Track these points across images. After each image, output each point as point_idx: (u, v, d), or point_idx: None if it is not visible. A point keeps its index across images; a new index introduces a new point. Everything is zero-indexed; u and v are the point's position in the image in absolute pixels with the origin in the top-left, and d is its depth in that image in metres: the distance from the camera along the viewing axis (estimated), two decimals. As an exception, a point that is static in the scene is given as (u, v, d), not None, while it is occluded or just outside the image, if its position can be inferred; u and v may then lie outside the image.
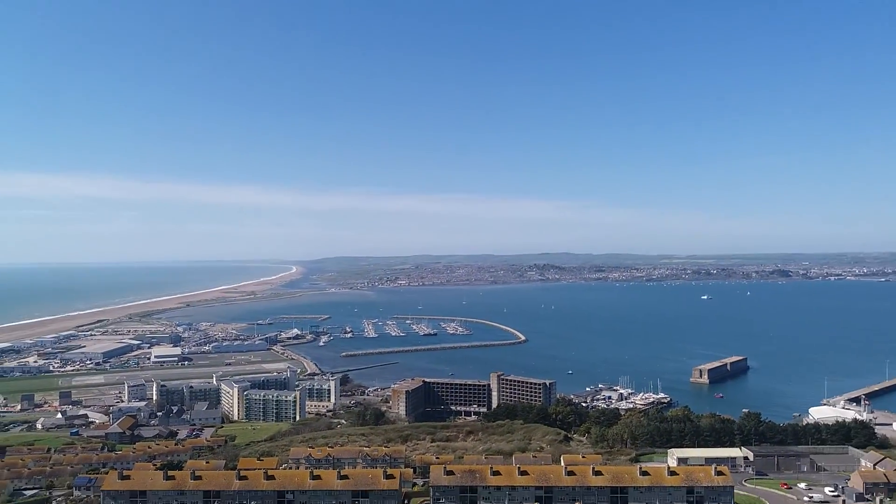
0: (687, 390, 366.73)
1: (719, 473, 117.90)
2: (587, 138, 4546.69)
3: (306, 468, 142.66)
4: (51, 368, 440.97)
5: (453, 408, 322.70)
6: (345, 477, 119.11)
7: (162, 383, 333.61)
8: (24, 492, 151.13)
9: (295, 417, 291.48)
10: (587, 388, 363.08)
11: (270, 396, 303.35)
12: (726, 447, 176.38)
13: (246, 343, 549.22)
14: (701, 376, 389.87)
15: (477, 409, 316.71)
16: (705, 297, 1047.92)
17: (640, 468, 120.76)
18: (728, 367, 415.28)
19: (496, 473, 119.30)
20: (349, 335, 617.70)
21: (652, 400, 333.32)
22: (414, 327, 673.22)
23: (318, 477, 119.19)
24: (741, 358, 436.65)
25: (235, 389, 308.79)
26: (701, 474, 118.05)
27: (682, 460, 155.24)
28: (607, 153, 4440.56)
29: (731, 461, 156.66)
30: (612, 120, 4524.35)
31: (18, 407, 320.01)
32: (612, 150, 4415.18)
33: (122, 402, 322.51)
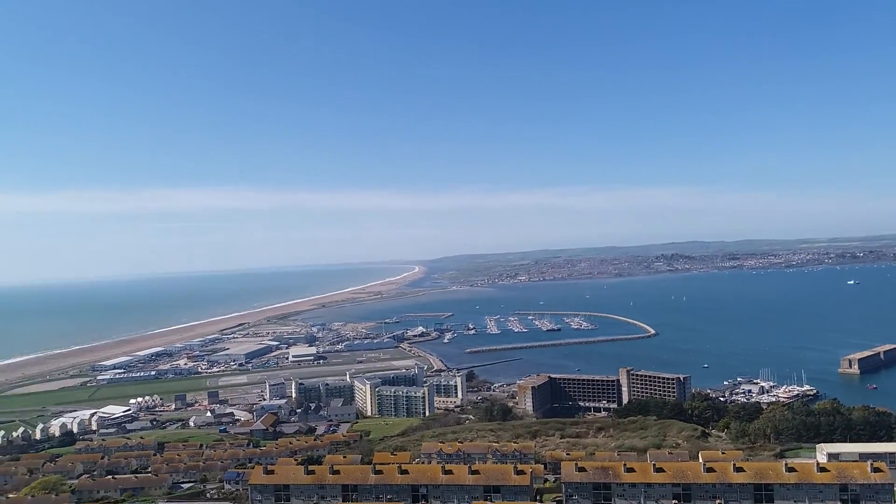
0: (835, 382, 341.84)
1: (876, 470, 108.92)
2: (710, 121, 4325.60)
3: (438, 463, 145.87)
4: (199, 370, 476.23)
5: (581, 404, 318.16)
6: (476, 472, 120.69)
7: (300, 381, 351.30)
8: (182, 485, 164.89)
9: (424, 413, 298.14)
10: (725, 382, 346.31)
11: (401, 392, 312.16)
12: (883, 442, 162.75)
13: (375, 341, 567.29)
14: (851, 366, 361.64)
15: (606, 405, 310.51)
16: (852, 282, 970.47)
17: (786, 464, 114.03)
18: (882, 356, 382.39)
19: (630, 470, 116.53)
20: (472, 332, 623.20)
21: (796, 392, 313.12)
22: (536, 323, 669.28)
23: (449, 472, 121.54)
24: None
25: (368, 386, 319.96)
26: (855, 471, 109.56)
27: (832, 456, 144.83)
28: (734, 135, 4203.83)
29: (889, 457, 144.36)
30: (735, 101, 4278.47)
31: (173, 406, 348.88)
32: (739, 131, 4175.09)
33: (265, 400, 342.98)
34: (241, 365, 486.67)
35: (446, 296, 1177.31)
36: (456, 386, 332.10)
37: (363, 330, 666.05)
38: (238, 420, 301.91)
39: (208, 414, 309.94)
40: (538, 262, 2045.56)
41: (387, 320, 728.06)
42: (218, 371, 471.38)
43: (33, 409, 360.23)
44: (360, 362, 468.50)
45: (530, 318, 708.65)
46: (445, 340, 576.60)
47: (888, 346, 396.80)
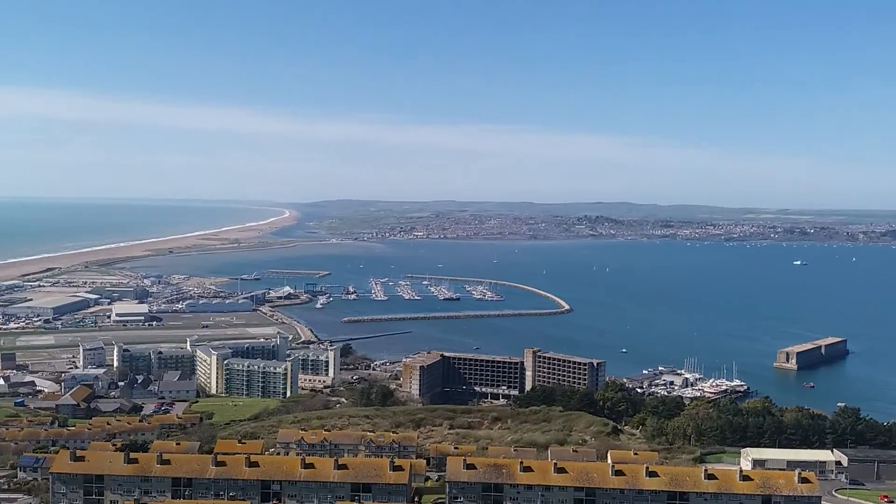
0: (770, 377, 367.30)
1: (804, 480, 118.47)
2: (648, 57, 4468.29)
3: (297, 454, 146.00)
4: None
5: (477, 389, 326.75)
6: (343, 466, 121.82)
7: (125, 347, 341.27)
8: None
9: (285, 393, 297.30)
10: (644, 371, 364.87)
11: (256, 367, 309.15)
12: (815, 449, 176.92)
13: (227, 302, 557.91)
14: (788, 361, 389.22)
15: (506, 392, 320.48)
16: (798, 263, 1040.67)
17: (706, 470, 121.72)
18: (822, 350, 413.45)
19: (527, 469, 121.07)
20: (353, 297, 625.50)
21: (725, 388, 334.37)
22: (432, 290, 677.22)
23: (311, 465, 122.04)
24: (839, 340, 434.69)
25: (214, 357, 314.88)
26: (781, 481, 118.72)
27: (758, 462, 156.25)
28: (676, 77, 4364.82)
29: (819, 466, 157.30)
30: (677, 30, 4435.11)
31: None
32: (682, 73, 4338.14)
33: (77, 368, 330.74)
34: (47, 322, 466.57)
35: (323, 250, 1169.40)
36: (327, 362, 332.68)
37: (212, 287, 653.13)
38: (40, 392, 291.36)
39: (0, 382, 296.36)
40: (439, 215, 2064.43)
41: (244, 276, 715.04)
42: (16, 328, 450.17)
43: None
44: (206, 327, 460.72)
45: (425, 283, 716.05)
46: (318, 305, 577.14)
47: (830, 340, 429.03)
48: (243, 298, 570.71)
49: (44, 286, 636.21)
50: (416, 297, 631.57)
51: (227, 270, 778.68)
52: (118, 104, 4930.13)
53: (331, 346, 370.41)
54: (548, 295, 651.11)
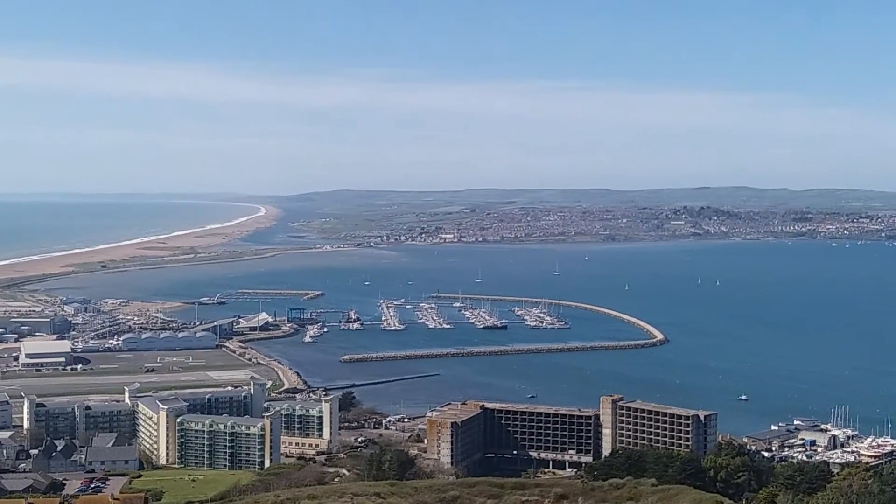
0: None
1: None
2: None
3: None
4: None
5: (534, 454, 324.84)
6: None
7: (38, 401, 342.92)
8: None
9: (262, 463, 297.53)
10: (773, 427, 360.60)
11: (222, 426, 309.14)
12: None
13: (181, 336, 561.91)
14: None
15: (575, 458, 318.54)
16: None
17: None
18: None
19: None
20: (355, 326, 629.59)
21: (889, 449, 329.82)
22: (467, 315, 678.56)
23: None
24: None
25: (163, 413, 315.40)
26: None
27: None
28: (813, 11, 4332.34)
29: None
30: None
31: None
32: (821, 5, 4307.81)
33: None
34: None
35: (313, 260, 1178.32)
36: (321, 418, 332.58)
37: (159, 315, 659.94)
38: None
39: None
40: (476, 210, 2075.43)
41: (203, 299, 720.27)
42: None
43: None
44: (152, 371, 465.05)
45: (457, 306, 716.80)
46: (307, 339, 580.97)
47: None
48: (203, 331, 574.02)
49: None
50: (445, 326, 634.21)
51: (181, 292, 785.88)
52: (13, 60, 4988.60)
53: (325, 395, 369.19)
54: (632, 320, 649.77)
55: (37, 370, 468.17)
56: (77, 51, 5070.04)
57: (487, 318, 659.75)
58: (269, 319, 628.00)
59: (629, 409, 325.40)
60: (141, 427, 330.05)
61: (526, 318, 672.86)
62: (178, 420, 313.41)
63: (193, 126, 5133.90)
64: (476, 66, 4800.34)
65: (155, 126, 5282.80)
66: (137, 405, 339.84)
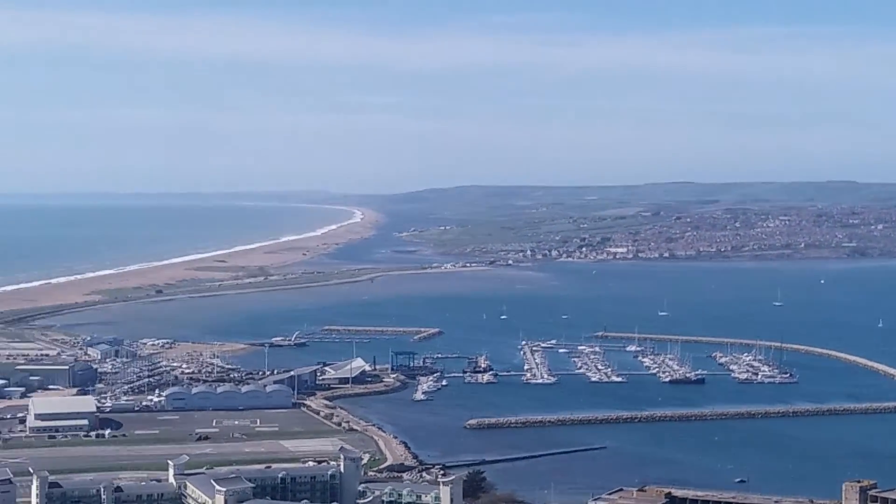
0: None
1: None
2: None
3: None
4: None
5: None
6: None
7: (51, 479, 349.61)
8: None
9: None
10: None
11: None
12: None
13: (245, 390, 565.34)
14: None
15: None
16: None
17: None
18: None
19: None
20: (486, 377, 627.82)
21: None
22: (646, 362, 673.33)
23: None
24: None
25: (220, 498, 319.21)
26: None
27: None
28: None
29: None
30: None
31: None
32: None
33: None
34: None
35: (427, 285, 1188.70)
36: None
37: (215, 360, 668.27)
38: None
39: None
40: (660, 211, 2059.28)
41: (277, 339, 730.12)
42: None
43: None
44: (205, 439, 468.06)
45: (631, 350, 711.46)
46: (418, 396, 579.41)
47: None
48: (275, 384, 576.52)
49: None
50: (615, 378, 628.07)
51: (245, 329, 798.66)
52: (47, 19, 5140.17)
53: (444, 475, 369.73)
54: (890, 371, 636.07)
55: (50, 437, 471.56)
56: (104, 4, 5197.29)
57: (676, 367, 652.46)
58: (367, 368, 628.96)
59: (886, 501, 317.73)
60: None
61: (732, 367, 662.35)
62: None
63: (257, 98, 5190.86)
64: (659, 9, 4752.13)
65: (204, 99, 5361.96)
66: (185, 486, 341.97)
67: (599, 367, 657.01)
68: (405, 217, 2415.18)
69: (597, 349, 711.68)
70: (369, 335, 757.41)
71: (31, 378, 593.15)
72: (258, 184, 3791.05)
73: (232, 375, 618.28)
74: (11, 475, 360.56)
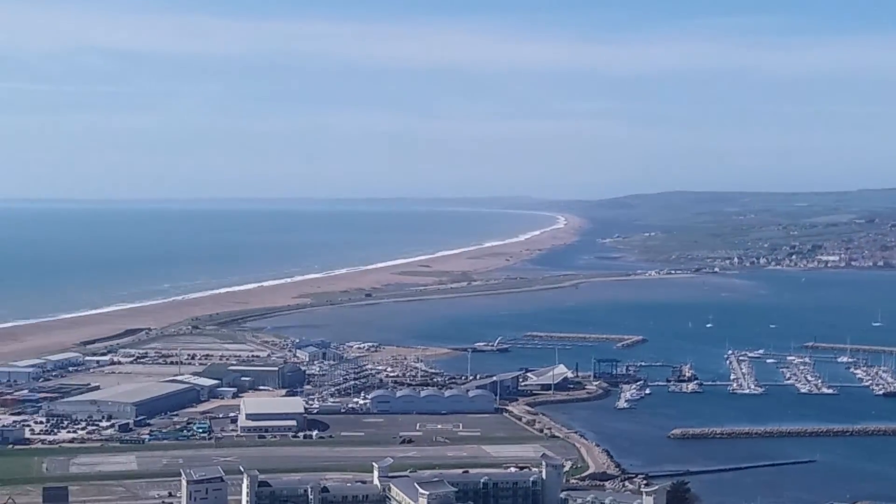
0: None
1: None
2: None
3: None
4: (26, 434, 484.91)
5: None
6: None
7: (261, 478, 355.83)
8: None
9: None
10: None
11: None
12: None
13: (447, 395, 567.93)
14: None
15: None
16: None
17: None
18: None
19: None
20: (690, 386, 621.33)
21: None
22: (858, 374, 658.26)
23: None
24: None
25: (423, 501, 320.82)
26: None
27: None
28: None
29: None
30: None
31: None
32: None
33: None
34: (124, 428, 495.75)
35: (631, 292, 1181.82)
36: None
37: (419, 364, 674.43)
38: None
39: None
40: (875, 219, 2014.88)
41: (480, 344, 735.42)
42: (70, 439, 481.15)
43: None
44: (409, 442, 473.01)
45: (843, 361, 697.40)
46: (621, 404, 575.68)
47: None
48: (478, 388, 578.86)
49: (119, 363, 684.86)
50: (825, 390, 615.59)
51: (448, 333, 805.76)
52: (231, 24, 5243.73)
53: (647, 485, 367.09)
54: None
55: (260, 437, 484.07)
56: (305, 10, 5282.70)
57: (891, 380, 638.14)
58: (569, 374, 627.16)
59: None
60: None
61: None
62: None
63: (463, 105, 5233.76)
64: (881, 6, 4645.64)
65: (411, 106, 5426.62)
66: (389, 488, 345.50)
67: (809, 378, 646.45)
68: (609, 223, 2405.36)
69: (806, 360, 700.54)
70: (572, 342, 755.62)
71: (243, 379, 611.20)
72: (462, 190, 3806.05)
73: (435, 379, 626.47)
74: (223, 473, 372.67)
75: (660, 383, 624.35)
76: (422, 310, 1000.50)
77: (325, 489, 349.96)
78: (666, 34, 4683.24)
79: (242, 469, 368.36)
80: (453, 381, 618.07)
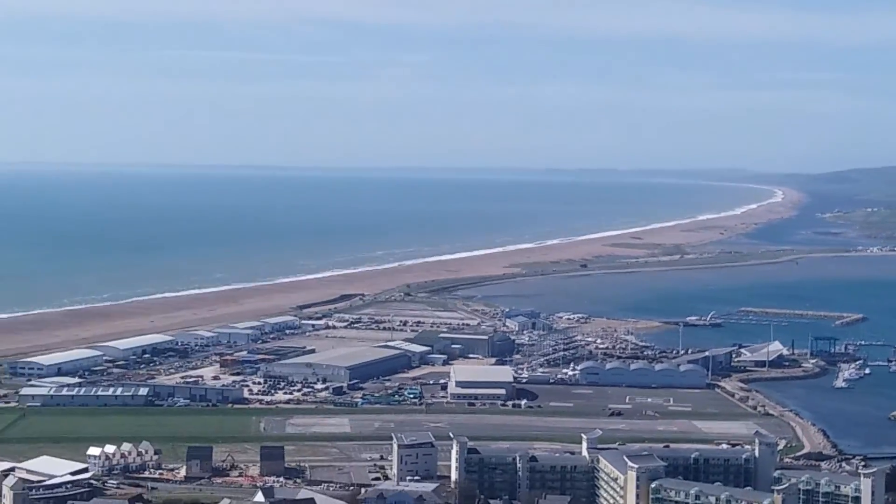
0: None
1: None
2: None
3: None
4: (245, 395, 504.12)
5: None
6: None
7: (470, 445, 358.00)
8: None
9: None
10: None
11: (713, 499, 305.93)
12: None
13: (658, 369, 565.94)
14: None
15: None
16: None
17: None
18: None
19: None
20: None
21: None
22: None
23: None
24: None
25: (632, 474, 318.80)
26: None
27: None
28: None
29: None
30: None
31: (182, 471, 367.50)
32: None
33: (388, 479, 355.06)
34: (337, 391, 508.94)
35: (850, 268, 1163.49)
36: (857, 499, 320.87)
37: (629, 337, 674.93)
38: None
39: (259, 497, 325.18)
40: None
41: (692, 318, 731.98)
42: (286, 400, 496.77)
43: None
44: (618, 415, 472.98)
45: None
46: (840, 383, 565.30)
47: None
48: (689, 363, 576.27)
49: (334, 327, 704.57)
50: None
51: (659, 307, 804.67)
52: None
53: (866, 467, 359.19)
54: None
55: (469, 404, 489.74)
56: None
57: None
58: (784, 352, 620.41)
59: None
60: (602, 490, 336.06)
61: None
62: (653, 486, 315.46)
63: (678, 77, 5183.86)
64: None
65: (625, 77, 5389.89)
66: (598, 460, 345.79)
67: None
68: (828, 197, 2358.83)
69: None
70: (787, 318, 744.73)
71: (453, 346, 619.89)
72: (674, 161, 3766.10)
73: (645, 353, 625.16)
74: (433, 439, 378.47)
75: (880, 363, 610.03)
76: (633, 282, 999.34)
77: (533, 458, 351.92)
78: (890, 1, 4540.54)
79: (452, 435, 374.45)
80: (664, 354, 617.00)
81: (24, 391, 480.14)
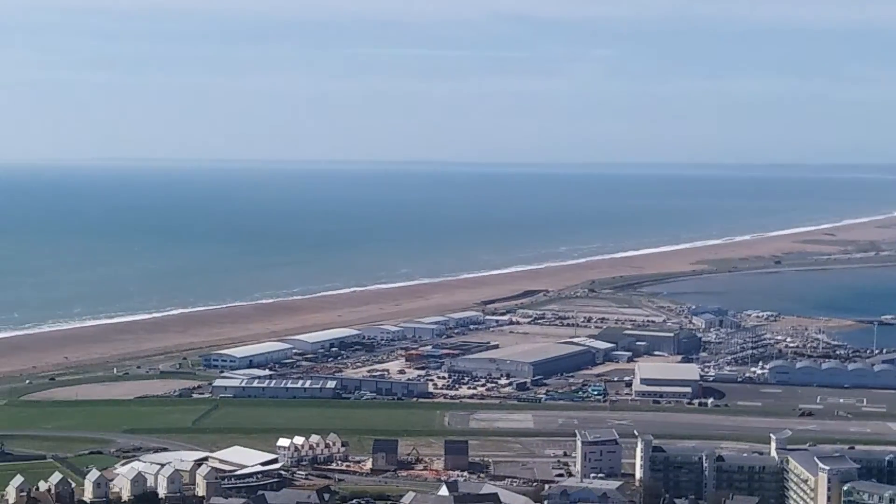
0: None
1: None
2: None
3: None
4: (429, 389, 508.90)
5: None
6: None
7: (655, 443, 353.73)
8: None
9: None
10: None
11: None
12: None
13: (851, 368, 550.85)
14: None
15: None
16: None
17: None
18: None
19: None
20: None
21: None
22: None
23: None
24: None
25: (823, 476, 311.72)
26: None
27: None
28: None
29: None
30: None
31: (368, 463, 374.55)
32: None
33: (571, 476, 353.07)
34: (520, 386, 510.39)
35: None
36: None
37: (821, 336, 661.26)
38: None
39: (443, 491, 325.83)
40: None
41: (887, 317, 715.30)
42: (470, 395, 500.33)
43: (78, 436, 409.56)
44: (809, 415, 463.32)
45: None
46: None
47: None
48: (884, 363, 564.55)
49: (517, 323, 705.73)
50: None
51: (852, 305, 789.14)
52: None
53: None
54: None
55: (654, 402, 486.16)
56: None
57: None
58: None
59: None
60: (791, 492, 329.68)
61: None
62: (845, 488, 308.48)
63: (876, 68, 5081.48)
64: None
65: (819, 69, 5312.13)
66: (787, 461, 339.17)
67: None
68: None
69: None
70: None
71: (638, 343, 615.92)
72: (870, 156, 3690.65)
73: (838, 352, 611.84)
74: (617, 436, 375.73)
75: None
76: (825, 279, 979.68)
77: (720, 458, 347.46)
78: None
79: (637, 433, 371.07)
80: (857, 354, 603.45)
81: (218, 382, 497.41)
